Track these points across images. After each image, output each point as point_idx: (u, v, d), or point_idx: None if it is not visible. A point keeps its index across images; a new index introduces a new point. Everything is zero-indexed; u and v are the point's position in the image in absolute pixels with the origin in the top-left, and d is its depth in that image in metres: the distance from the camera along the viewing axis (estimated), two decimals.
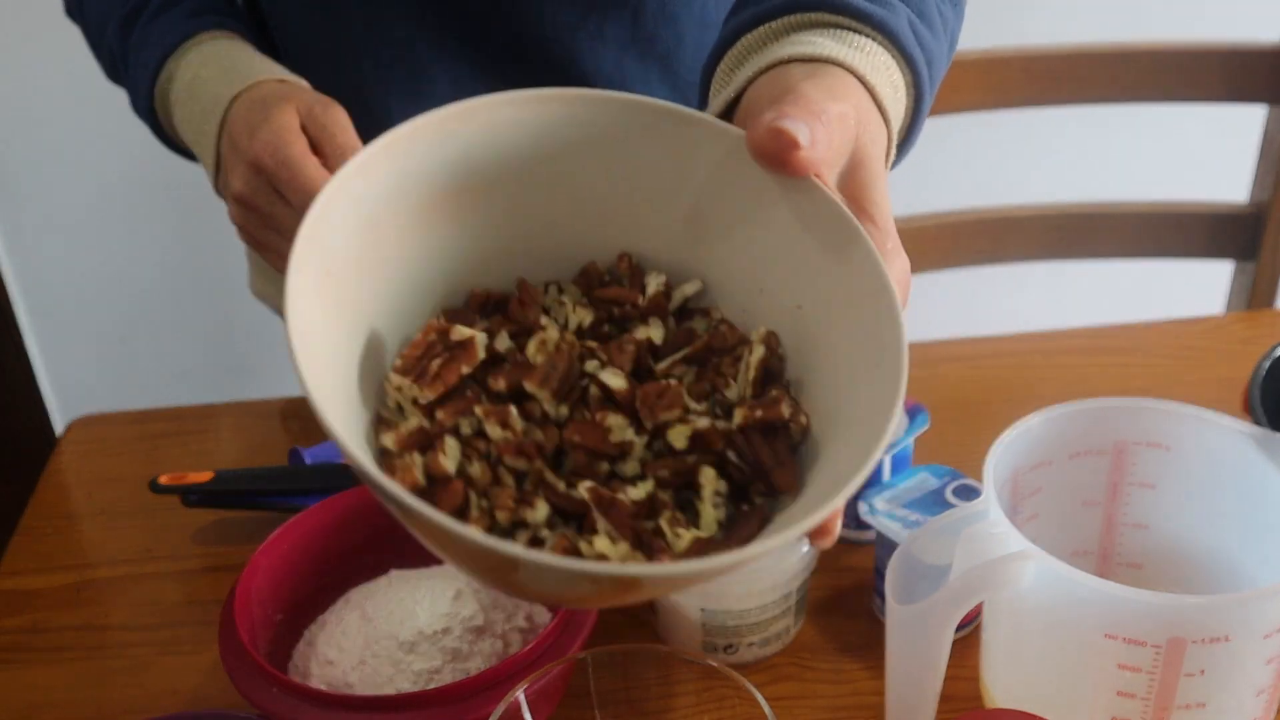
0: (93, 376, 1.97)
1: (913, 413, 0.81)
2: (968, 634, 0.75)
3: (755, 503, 0.47)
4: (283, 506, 0.85)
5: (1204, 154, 1.78)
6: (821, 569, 0.76)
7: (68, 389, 1.99)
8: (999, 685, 0.69)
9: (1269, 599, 0.58)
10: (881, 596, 0.75)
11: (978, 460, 0.65)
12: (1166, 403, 0.68)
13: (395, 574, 0.76)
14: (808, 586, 0.76)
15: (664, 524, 0.45)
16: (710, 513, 0.46)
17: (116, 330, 1.94)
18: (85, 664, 0.78)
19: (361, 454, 0.42)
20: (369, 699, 0.65)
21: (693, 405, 0.49)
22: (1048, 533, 0.70)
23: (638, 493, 0.46)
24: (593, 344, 0.50)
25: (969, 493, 0.74)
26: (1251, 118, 1.27)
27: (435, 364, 0.48)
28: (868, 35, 0.56)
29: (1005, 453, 0.66)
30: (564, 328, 0.51)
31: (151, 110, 0.82)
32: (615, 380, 0.48)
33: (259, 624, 0.71)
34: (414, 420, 0.47)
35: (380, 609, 0.71)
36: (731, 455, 0.47)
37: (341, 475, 0.84)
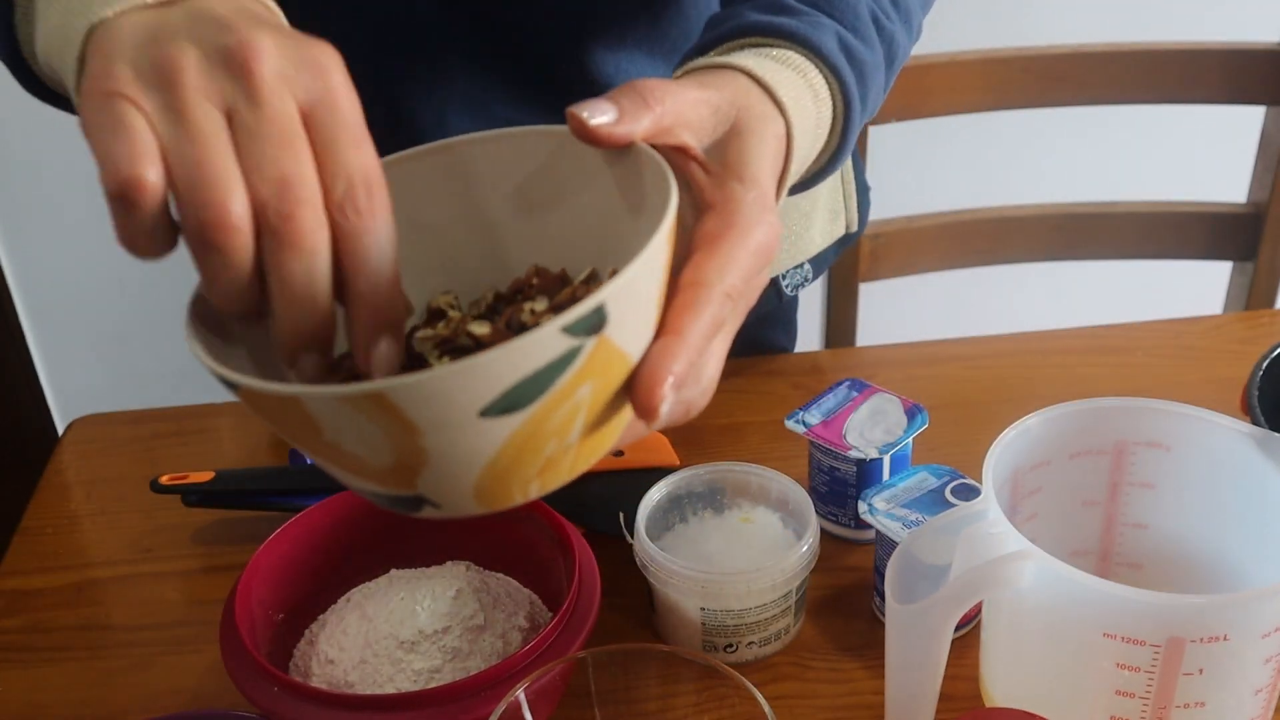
0: (93, 376, 1.97)
1: (912, 413, 0.81)
2: (967, 633, 0.75)
3: None
4: (283, 506, 0.85)
5: (1203, 154, 1.78)
6: (821, 568, 0.76)
7: (68, 389, 1.99)
8: (998, 685, 0.69)
9: (1268, 599, 0.58)
10: (881, 596, 0.75)
11: (977, 460, 0.65)
12: (1166, 403, 0.68)
13: (395, 574, 0.76)
14: (807, 586, 0.76)
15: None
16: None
17: (116, 330, 1.94)
18: (86, 664, 0.79)
19: (192, 334, 0.47)
20: (369, 698, 0.65)
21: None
22: (1047, 532, 0.70)
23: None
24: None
25: (968, 492, 0.74)
26: (1250, 118, 1.27)
27: None
28: (790, 49, 0.62)
29: (1005, 452, 0.66)
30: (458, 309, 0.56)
31: (14, 44, 0.65)
32: (480, 328, 0.51)
33: (259, 624, 0.71)
34: None
35: (380, 609, 0.71)
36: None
37: None
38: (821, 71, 0.63)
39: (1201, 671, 0.59)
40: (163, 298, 1.90)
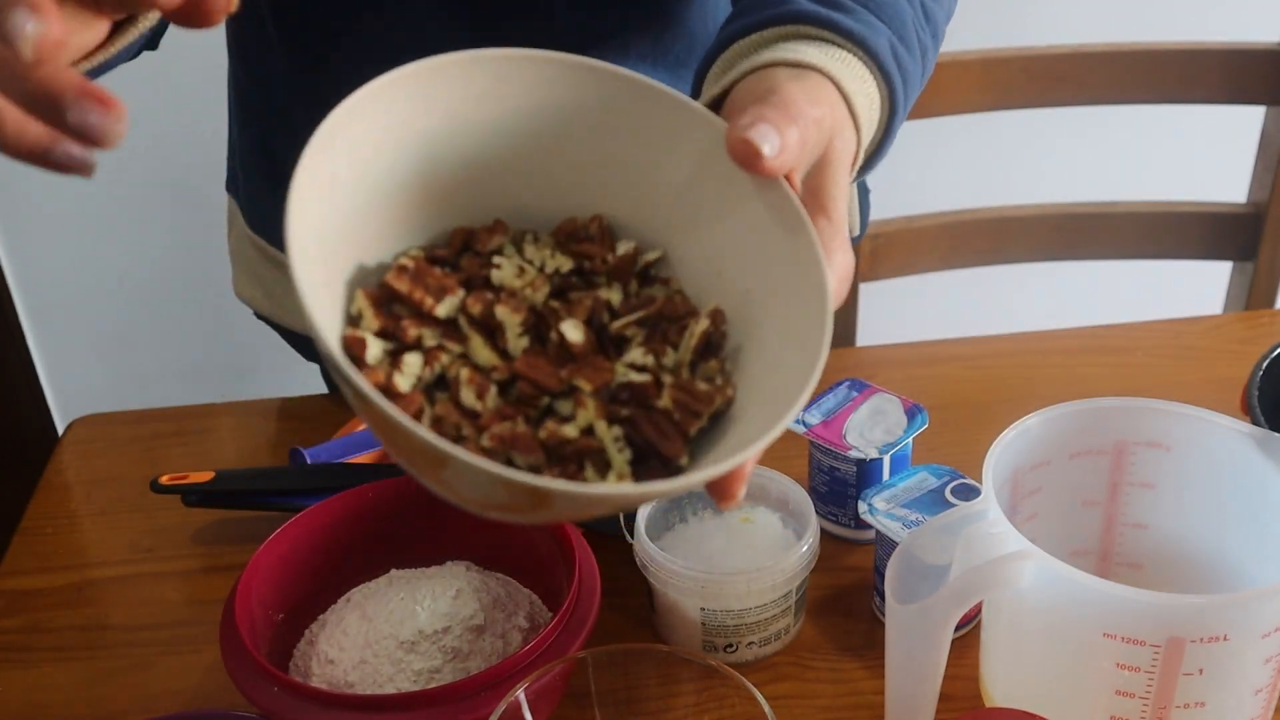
0: (93, 376, 1.97)
1: (912, 413, 0.81)
2: (967, 633, 0.75)
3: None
4: (283, 506, 0.85)
5: (1203, 154, 1.78)
6: (821, 568, 0.76)
7: (68, 389, 1.99)
8: (998, 685, 0.69)
9: (1268, 599, 0.58)
10: (881, 596, 0.75)
11: (977, 460, 0.65)
12: (1166, 403, 0.68)
13: (395, 574, 0.76)
14: (807, 586, 0.76)
15: (587, 464, 0.50)
16: (618, 457, 0.50)
17: (116, 330, 1.94)
18: (85, 664, 0.79)
19: (335, 345, 0.46)
20: (369, 698, 0.65)
21: (623, 371, 0.52)
22: (1047, 532, 0.70)
23: (571, 430, 0.50)
24: (554, 303, 0.53)
25: (969, 492, 0.74)
26: (1250, 118, 1.27)
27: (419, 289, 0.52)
28: (850, 50, 0.60)
29: (1005, 452, 0.66)
30: (541, 269, 0.55)
31: None
32: (574, 333, 0.52)
33: (259, 624, 0.71)
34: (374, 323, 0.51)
35: (380, 609, 0.72)
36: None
37: (341, 475, 0.84)
38: (876, 79, 0.61)
39: (1201, 671, 0.59)
40: (163, 298, 1.90)
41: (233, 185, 1.03)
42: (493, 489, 0.45)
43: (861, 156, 0.60)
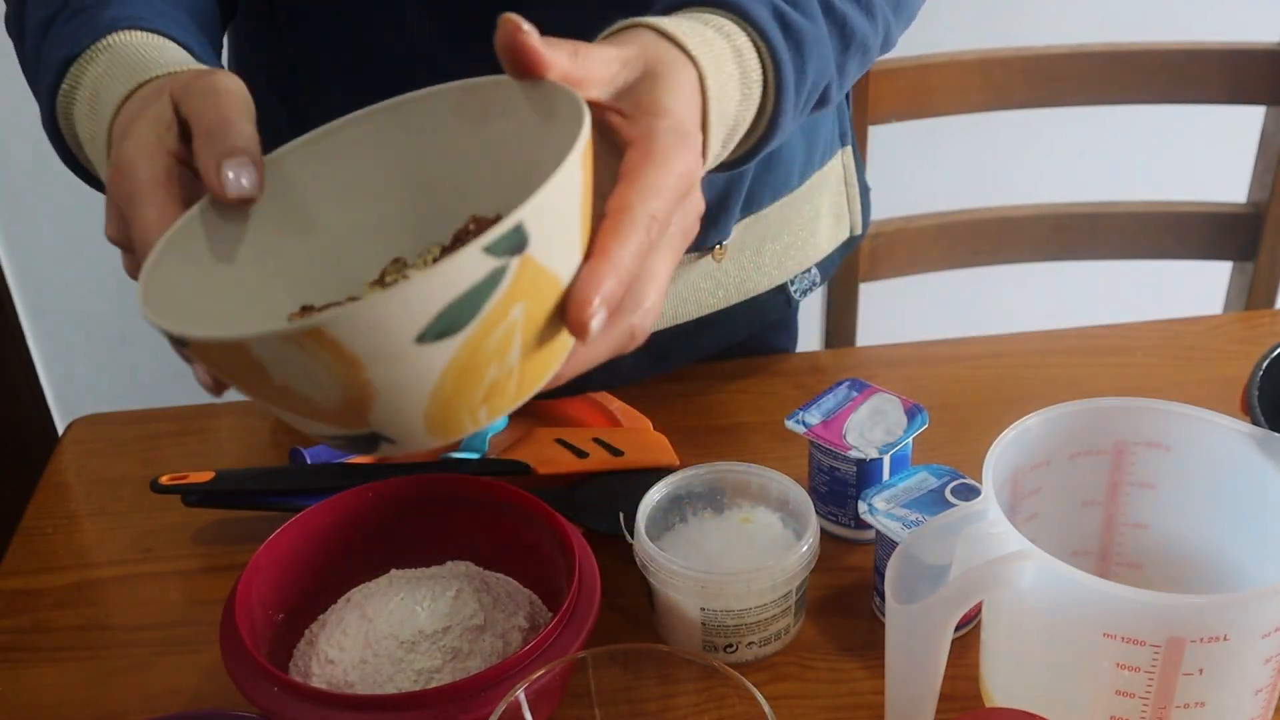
0: (93, 376, 1.97)
1: (912, 413, 0.81)
2: (967, 633, 0.75)
3: None
4: (283, 506, 0.85)
5: (1203, 155, 1.78)
6: (821, 568, 0.76)
7: (68, 389, 1.99)
8: (998, 685, 0.69)
9: (1267, 599, 0.58)
10: (881, 596, 0.75)
11: (977, 460, 0.65)
12: (1166, 403, 0.68)
13: (395, 574, 0.76)
14: (807, 586, 0.76)
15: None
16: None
17: (116, 330, 1.94)
18: (85, 664, 0.79)
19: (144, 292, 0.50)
20: (369, 698, 0.65)
21: None
22: (1047, 532, 0.70)
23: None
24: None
25: (968, 492, 0.74)
26: (1250, 118, 1.27)
27: None
28: (718, 14, 0.64)
29: (1005, 453, 0.66)
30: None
31: (56, 130, 0.69)
32: (416, 270, 0.54)
33: (259, 624, 0.71)
34: None
35: (380, 609, 0.72)
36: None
37: (341, 475, 0.84)
38: (749, 34, 0.64)
39: (1201, 671, 0.59)
40: None
41: None
42: (287, 360, 0.46)
43: (722, 93, 0.62)
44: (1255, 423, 0.73)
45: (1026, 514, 0.70)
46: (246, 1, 0.87)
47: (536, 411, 0.96)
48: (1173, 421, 0.68)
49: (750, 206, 0.94)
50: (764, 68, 0.65)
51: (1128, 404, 0.69)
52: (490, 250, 0.45)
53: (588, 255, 0.51)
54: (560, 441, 0.87)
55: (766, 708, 0.58)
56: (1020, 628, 0.65)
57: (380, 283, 0.57)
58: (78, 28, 0.67)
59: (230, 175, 0.55)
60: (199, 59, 0.67)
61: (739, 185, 0.91)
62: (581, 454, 0.86)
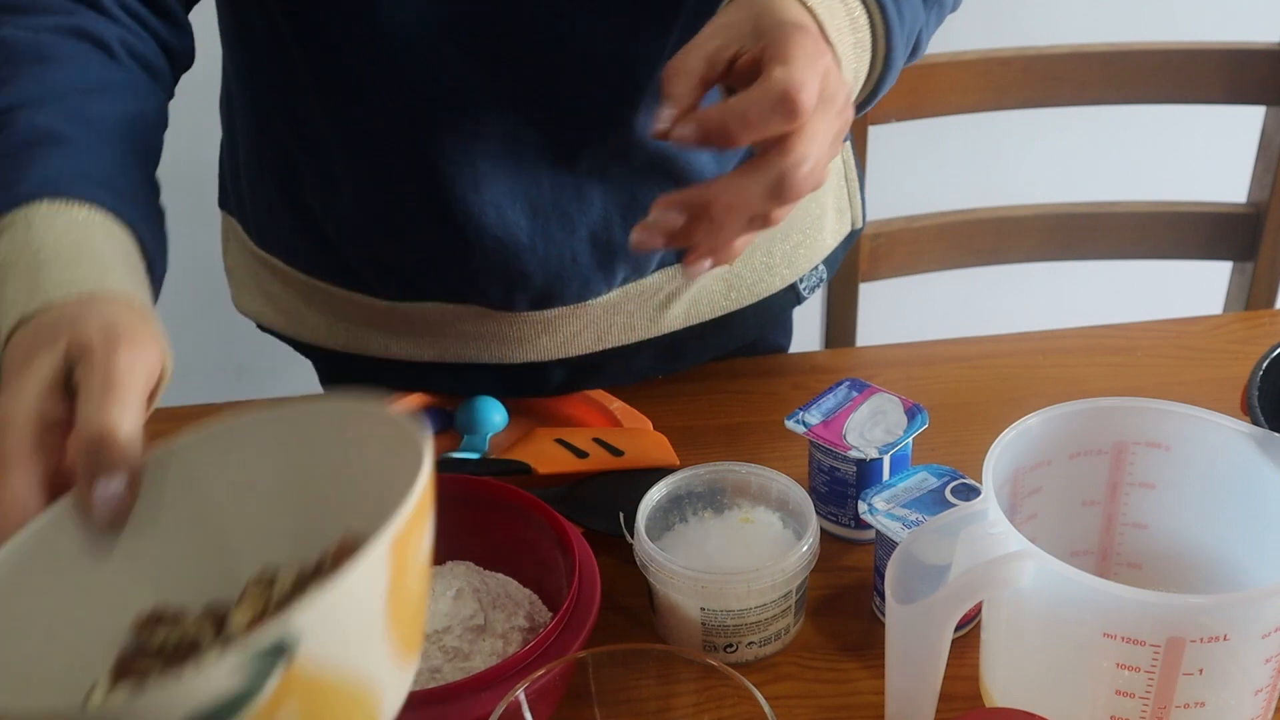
0: None
1: (912, 413, 0.81)
2: (967, 633, 0.75)
3: None
4: None
5: (1203, 155, 1.78)
6: (821, 568, 0.76)
7: None
8: (998, 684, 0.69)
9: (1267, 599, 0.58)
10: (881, 596, 0.75)
11: (977, 460, 0.65)
12: (1166, 403, 0.68)
13: None
14: (807, 586, 0.76)
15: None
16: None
17: None
18: None
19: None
20: None
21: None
22: (1047, 532, 0.70)
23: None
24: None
25: (968, 492, 0.74)
26: (1250, 118, 1.27)
27: None
28: None
29: (1005, 452, 0.66)
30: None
31: None
32: (239, 616, 0.54)
33: None
34: None
35: None
36: None
37: None
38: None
39: (1201, 671, 0.59)
40: (163, 298, 1.90)
41: (227, 202, 1.01)
42: None
43: (838, 34, 0.66)
44: (1255, 423, 0.73)
45: (1026, 514, 0.70)
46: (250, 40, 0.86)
47: (536, 411, 0.96)
48: (1173, 421, 0.68)
49: None
50: (871, 19, 0.69)
51: (1128, 404, 0.69)
52: (247, 660, 0.42)
53: (769, 64, 0.59)
54: (560, 441, 0.87)
55: (766, 708, 0.58)
56: (1020, 628, 0.65)
57: (243, 596, 0.55)
58: (8, 172, 0.63)
59: (101, 497, 0.53)
60: (122, 219, 0.64)
61: None
62: (581, 454, 0.86)
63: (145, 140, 0.73)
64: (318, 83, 0.84)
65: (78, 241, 0.61)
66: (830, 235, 1.01)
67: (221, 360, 1.93)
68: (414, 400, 0.95)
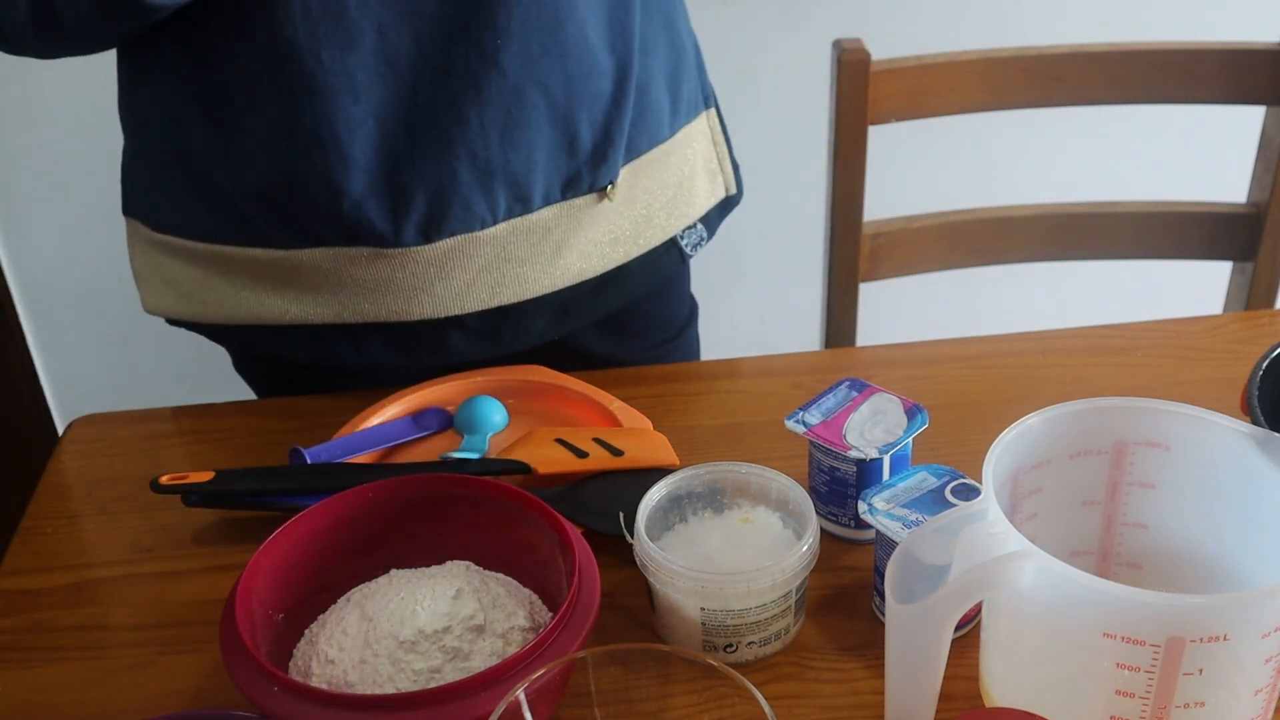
0: (93, 376, 1.97)
1: (912, 413, 0.81)
2: (967, 633, 0.75)
3: None
4: (283, 506, 0.85)
5: (1203, 155, 1.78)
6: (821, 568, 0.76)
7: (68, 389, 1.99)
8: (998, 684, 0.69)
9: (1267, 599, 0.58)
10: (881, 596, 0.75)
11: (977, 460, 0.65)
12: (1166, 403, 0.68)
13: (395, 574, 0.76)
14: (807, 586, 0.76)
15: None
16: None
17: (116, 330, 1.94)
18: (85, 664, 0.79)
19: None
20: (369, 698, 0.65)
21: None
22: (1047, 532, 0.70)
23: None
24: None
25: (968, 492, 0.74)
26: (1250, 118, 1.27)
27: None
28: None
29: (1005, 452, 0.66)
30: None
31: None
32: None
33: (259, 624, 0.71)
34: None
35: (380, 609, 0.72)
36: None
37: (341, 475, 0.84)
38: None
39: (1201, 671, 0.59)
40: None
41: (129, 206, 1.02)
42: None
43: None
44: (1255, 423, 0.73)
45: (1026, 514, 0.70)
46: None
47: (537, 411, 0.96)
48: (1173, 421, 0.68)
49: (631, 152, 0.98)
50: None
51: (1128, 404, 0.69)
52: None
53: None
54: (560, 441, 0.87)
55: (766, 708, 0.58)
56: (1020, 628, 0.65)
57: None
58: None
59: None
60: None
61: (619, 125, 0.94)
62: (581, 454, 0.86)
63: None
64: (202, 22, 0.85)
65: None
66: (703, 195, 1.05)
67: (222, 360, 1.93)
68: (414, 400, 0.95)
